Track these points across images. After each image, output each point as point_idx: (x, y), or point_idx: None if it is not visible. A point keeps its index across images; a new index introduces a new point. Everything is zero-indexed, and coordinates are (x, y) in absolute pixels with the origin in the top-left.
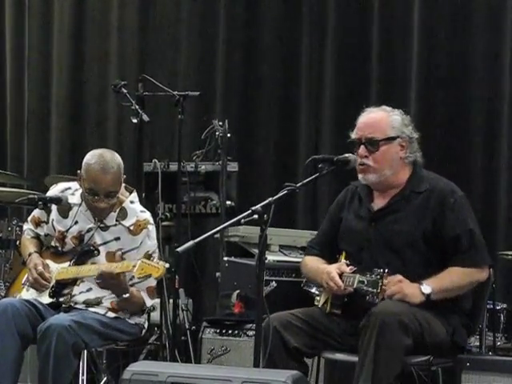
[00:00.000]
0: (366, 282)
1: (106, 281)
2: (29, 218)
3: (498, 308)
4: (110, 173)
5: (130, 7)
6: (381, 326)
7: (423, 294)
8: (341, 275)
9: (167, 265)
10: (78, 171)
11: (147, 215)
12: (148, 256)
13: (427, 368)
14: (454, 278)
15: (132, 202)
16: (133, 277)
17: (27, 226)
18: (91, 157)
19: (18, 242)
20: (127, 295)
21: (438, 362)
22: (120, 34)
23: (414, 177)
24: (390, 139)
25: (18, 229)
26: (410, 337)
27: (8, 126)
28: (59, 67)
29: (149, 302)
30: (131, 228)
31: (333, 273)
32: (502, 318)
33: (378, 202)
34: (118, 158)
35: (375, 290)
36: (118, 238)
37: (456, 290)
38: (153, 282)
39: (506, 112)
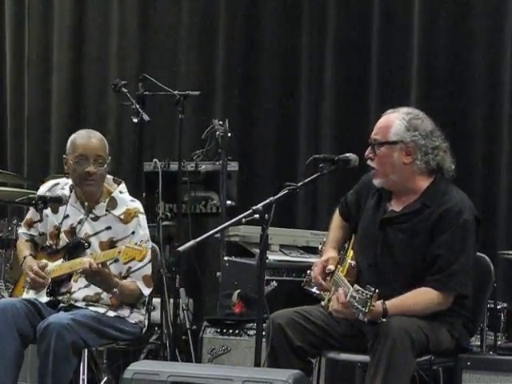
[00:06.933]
0: (357, 298)
1: (91, 277)
2: (22, 222)
3: (498, 307)
4: (95, 137)
5: (129, 7)
6: (391, 346)
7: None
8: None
9: (150, 245)
10: (64, 156)
11: (137, 204)
12: None
13: (428, 367)
14: (416, 300)
15: (121, 192)
16: (130, 267)
17: (21, 230)
18: (74, 135)
19: (18, 242)
20: (116, 290)
21: (438, 361)
22: (120, 34)
23: (430, 189)
24: (391, 143)
25: (18, 228)
26: (415, 357)
27: (8, 125)
28: (59, 67)
29: (146, 291)
30: (121, 217)
31: (317, 278)
32: (502, 317)
33: (394, 205)
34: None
35: (364, 310)
36: (109, 228)
37: (417, 312)
38: (148, 271)
39: (507, 113)
